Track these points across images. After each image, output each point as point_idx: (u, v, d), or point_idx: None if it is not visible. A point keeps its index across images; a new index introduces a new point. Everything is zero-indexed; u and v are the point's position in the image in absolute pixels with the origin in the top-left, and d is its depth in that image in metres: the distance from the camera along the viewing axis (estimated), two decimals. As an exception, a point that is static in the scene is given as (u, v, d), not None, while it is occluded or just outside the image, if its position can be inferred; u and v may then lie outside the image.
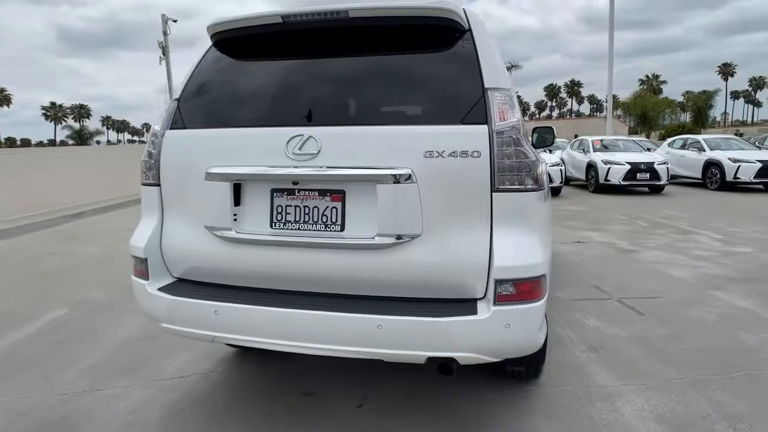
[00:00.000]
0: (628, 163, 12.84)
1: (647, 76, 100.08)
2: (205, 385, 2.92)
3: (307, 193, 2.14)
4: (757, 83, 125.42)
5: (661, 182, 12.81)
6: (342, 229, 2.10)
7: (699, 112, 41.45)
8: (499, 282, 1.93)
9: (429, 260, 2.02)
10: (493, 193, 1.96)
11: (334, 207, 2.11)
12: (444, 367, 2.07)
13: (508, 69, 37.97)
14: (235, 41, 2.40)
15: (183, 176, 2.30)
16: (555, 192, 12.41)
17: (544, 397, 2.70)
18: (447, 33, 2.15)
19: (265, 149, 2.15)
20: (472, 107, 2.00)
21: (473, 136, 1.96)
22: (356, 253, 2.08)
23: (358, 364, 2.81)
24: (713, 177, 13.62)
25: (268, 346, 2.12)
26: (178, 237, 2.33)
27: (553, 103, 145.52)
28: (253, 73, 2.41)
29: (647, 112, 34.45)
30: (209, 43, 2.51)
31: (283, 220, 2.17)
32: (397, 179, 1.98)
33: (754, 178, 12.79)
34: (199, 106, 2.39)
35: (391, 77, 2.19)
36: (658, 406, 2.58)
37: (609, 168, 13.02)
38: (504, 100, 2.00)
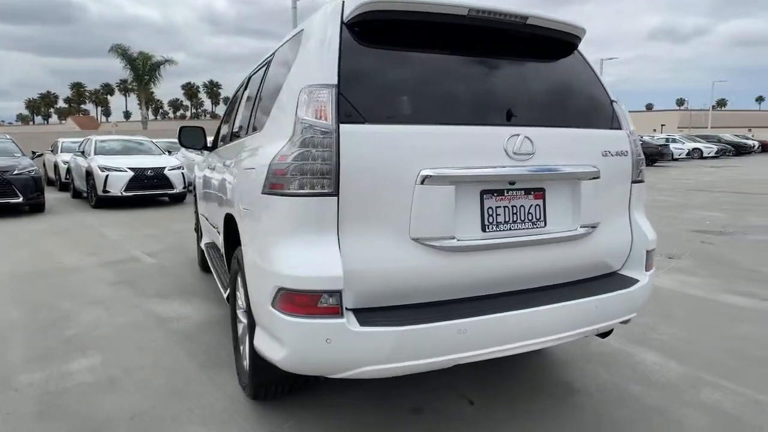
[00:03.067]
0: (130, 168, 10.79)
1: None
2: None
3: (515, 192, 2.13)
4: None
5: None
6: (545, 224, 2.20)
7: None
8: (648, 252, 2.47)
9: (604, 244, 2.37)
10: (632, 184, 2.48)
11: (537, 204, 2.18)
12: (607, 332, 2.46)
13: (161, 65, 34.47)
14: (396, 25, 2.06)
15: (379, 181, 1.89)
16: (178, 198, 11.69)
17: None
18: (573, 50, 2.50)
19: (481, 149, 2.03)
20: (611, 116, 2.45)
21: (623, 139, 2.42)
22: (558, 246, 2.23)
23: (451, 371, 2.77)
24: None
25: (508, 352, 2.03)
26: (371, 256, 1.89)
27: (192, 103, 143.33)
28: (432, 65, 2.11)
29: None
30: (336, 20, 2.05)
31: (494, 222, 2.09)
32: (594, 176, 2.26)
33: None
34: (375, 97, 1.97)
35: (555, 83, 2.38)
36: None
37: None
38: (623, 110, 2.52)
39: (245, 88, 3.61)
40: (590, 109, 2.43)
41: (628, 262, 2.51)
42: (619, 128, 2.45)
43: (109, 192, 10.61)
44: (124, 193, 10.70)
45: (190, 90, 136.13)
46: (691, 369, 3.06)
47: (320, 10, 2.23)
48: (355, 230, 1.89)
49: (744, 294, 4.49)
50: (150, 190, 11.03)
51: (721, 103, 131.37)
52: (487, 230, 2.08)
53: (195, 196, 5.77)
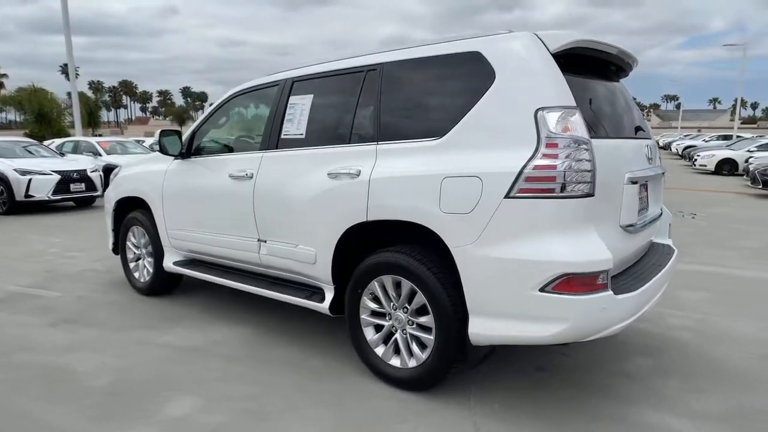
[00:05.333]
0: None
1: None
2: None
3: (644, 187, 2.89)
4: (96, 86, 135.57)
5: None
6: (649, 210, 3.03)
7: (91, 112, 42.00)
8: (670, 225, 3.54)
9: (659, 224, 3.34)
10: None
11: (646, 195, 2.98)
12: None
13: None
14: (577, 58, 2.57)
15: (606, 183, 2.44)
16: None
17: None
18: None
19: (638, 155, 2.75)
20: (647, 128, 3.43)
21: (654, 146, 3.43)
22: (650, 225, 3.09)
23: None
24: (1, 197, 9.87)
25: (652, 306, 2.78)
26: (605, 242, 2.41)
27: None
28: (594, 89, 2.70)
29: (45, 110, 31.05)
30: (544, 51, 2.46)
31: (639, 209, 2.81)
32: (664, 172, 3.19)
33: (53, 194, 9.84)
34: (589, 116, 2.47)
35: (632, 103, 3.20)
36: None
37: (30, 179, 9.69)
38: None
39: (290, 93, 3.46)
40: (642, 122, 3.37)
41: (658, 233, 3.54)
42: (650, 138, 3.46)
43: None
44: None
45: None
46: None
47: (502, 37, 2.54)
48: (597, 223, 2.40)
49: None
50: None
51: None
52: (639, 215, 2.81)
53: (110, 211, 4.91)
